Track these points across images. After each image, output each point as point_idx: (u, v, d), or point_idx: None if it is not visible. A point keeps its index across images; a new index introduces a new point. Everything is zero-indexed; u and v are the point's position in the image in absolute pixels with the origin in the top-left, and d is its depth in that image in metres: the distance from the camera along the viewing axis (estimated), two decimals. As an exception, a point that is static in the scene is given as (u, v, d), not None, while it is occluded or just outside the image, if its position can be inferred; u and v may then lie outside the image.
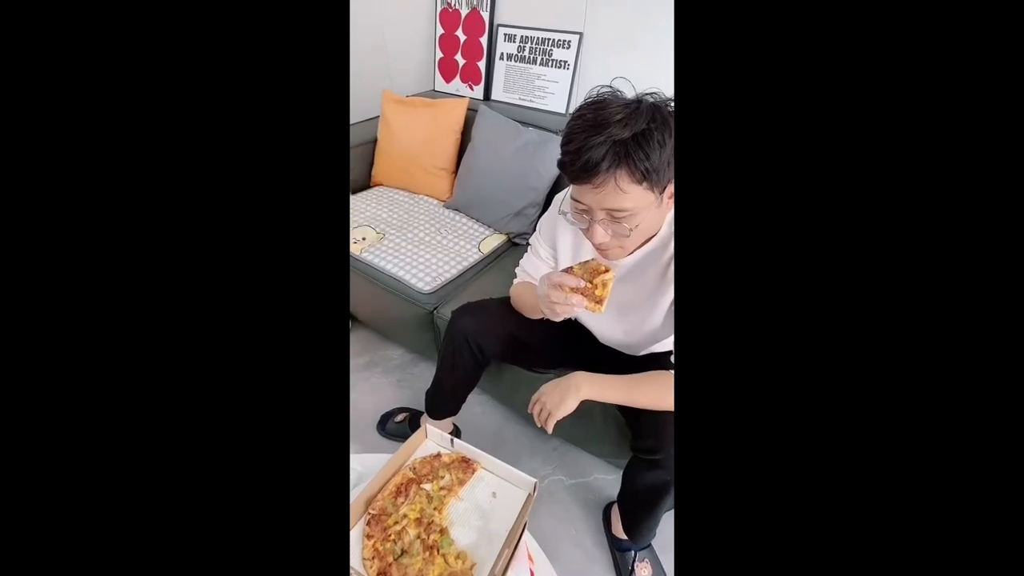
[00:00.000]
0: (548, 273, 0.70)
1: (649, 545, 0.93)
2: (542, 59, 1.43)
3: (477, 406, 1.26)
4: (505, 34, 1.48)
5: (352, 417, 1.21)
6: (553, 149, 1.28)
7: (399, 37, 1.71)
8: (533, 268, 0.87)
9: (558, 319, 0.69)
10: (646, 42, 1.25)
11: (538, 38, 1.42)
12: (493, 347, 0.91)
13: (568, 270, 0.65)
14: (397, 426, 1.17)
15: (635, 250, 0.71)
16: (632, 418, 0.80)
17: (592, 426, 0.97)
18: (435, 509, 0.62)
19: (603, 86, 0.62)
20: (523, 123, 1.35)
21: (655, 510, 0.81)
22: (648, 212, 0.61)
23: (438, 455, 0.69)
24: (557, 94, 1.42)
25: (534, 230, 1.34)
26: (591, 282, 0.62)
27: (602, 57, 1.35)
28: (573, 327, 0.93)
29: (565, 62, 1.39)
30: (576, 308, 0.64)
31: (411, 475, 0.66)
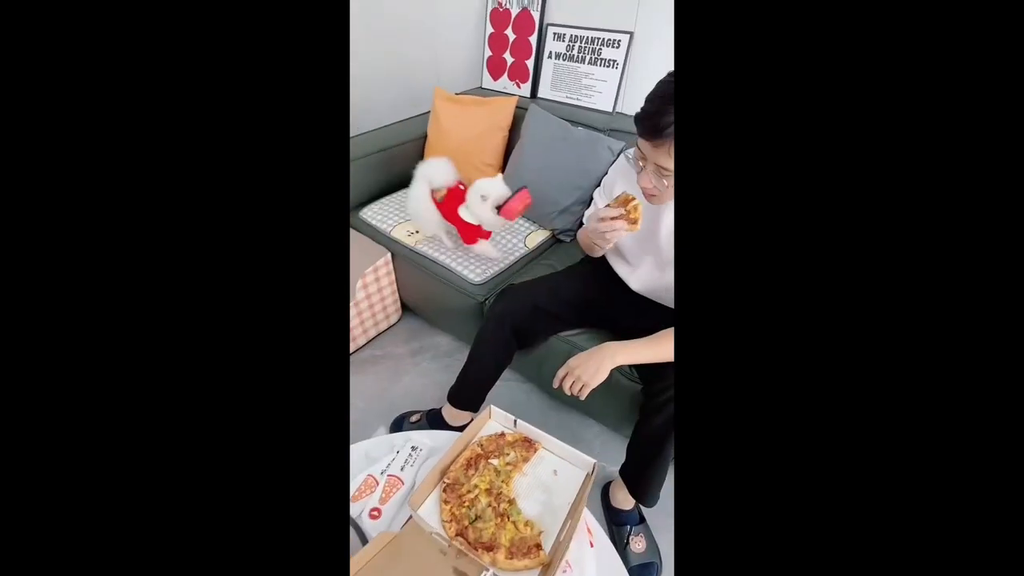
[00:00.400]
0: (593, 212, 0.89)
1: (643, 520, 1.00)
2: (591, 58, 1.46)
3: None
4: (555, 33, 1.51)
5: (403, 400, 1.30)
6: (601, 149, 1.32)
7: (450, 35, 1.76)
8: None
9: (609, 245, 0.88)
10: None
11: (588, 37, 1.45)
12: (524, 321, 1.01)
13: (607, 207, 0.84)
14: (412, 426, 1.17)
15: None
16: (644, 368, 0.92)
17: (608, 386, 1.01)
18: (503, 482, 0.68)
19: None
20: (572, 122, 1.39)
21: (661, 454, 0.85)
22: None
23: (502, 434, 0.76)
24: (605, 93, 1.45)
25: (579, 226, 1.40)
26: (626, 208, 0.80)
27: (653, 57, 1.37)
28: (588, 293, 1.05)
29: (614, 61, 1.41)
30: (620, 232, 0.82)
31: (479, 451, 0.72)
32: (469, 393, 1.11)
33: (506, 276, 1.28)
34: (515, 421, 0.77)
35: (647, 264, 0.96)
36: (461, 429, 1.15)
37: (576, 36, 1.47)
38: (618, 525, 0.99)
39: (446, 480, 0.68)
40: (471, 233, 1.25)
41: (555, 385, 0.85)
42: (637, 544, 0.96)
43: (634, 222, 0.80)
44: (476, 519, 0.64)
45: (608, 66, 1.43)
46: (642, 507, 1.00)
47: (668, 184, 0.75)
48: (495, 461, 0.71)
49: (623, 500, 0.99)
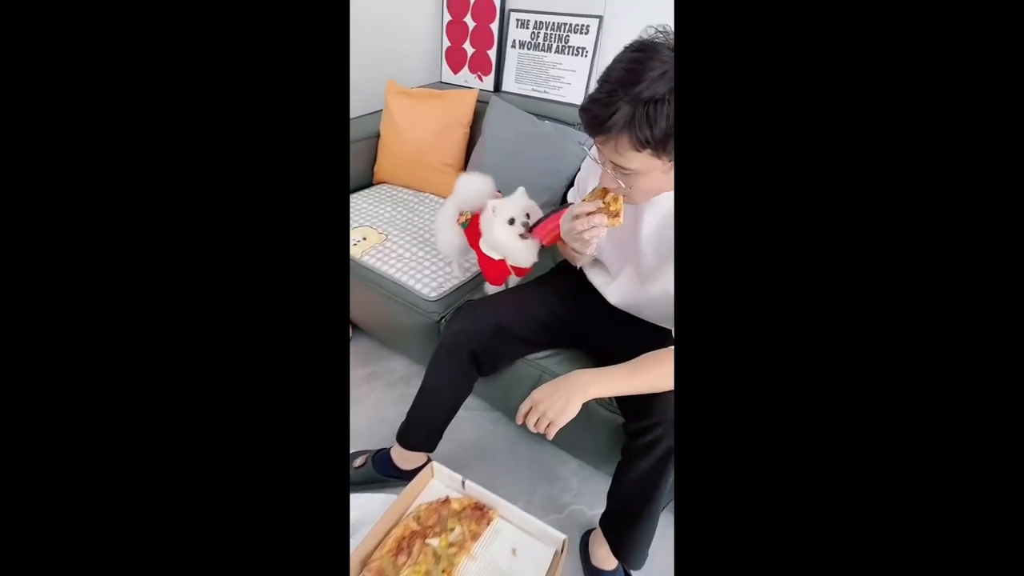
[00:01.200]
0: (567, 211, 0.74)
1: None
2: (558, 46, 1.32)
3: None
4: (517, 20, 1.37)
5: (351, 438, 1.11)
6: (571, 144, 1.18)
7: (403, 25, 1.60)
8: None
9: (590, 249, 0.72)
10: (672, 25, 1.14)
11: (553, 23, 1.31)
12: (484, 344, 0.86)
13: (582, 202, 0.71)
14: (357, 472, 0.99)
15: (652, 204, 0.73)
16: (626, 401, 0.76)
17: (584, 417, 0.85)
18: (444, 572, 0.51)
19: (660, 27, 0.58)
20: (538, 115, 1.24)
21: (649, 507, 0.72)
22: (653, 175, 0.61)
23: (446, 500, 0.59)
24: (574, 84, 1.32)
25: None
26: (604, 201, 0.67)
27: (625, 42, 1.24)
28: (559, 308, 0.90)
29: (583, 49, 1.28)
30: (601, 229, 0.68)
31: (415, 526, 0.55)
32: (421, 431, 0.94)
33: (466, 291, 1.12)
34: (463, 481, 0.60)
35: (627, 274, 0.81)
36: (412, 475, 0.97)
37: (541, 22, 1.33)
38: (600, 588, 0.82)
39: (367, 573, 0.51)
40: (495, 271, 0.98)
41: (519, 422, 0.71)
42: (624, 609, 0.80)
43: (615, 215, 0.67)
44: (404, 633, 0.47)
45: (577, 54, 1.30)
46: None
47: (629, 184, 0.62)
48: (435, 541, 0.54)
49: (604, 558, 0.83)
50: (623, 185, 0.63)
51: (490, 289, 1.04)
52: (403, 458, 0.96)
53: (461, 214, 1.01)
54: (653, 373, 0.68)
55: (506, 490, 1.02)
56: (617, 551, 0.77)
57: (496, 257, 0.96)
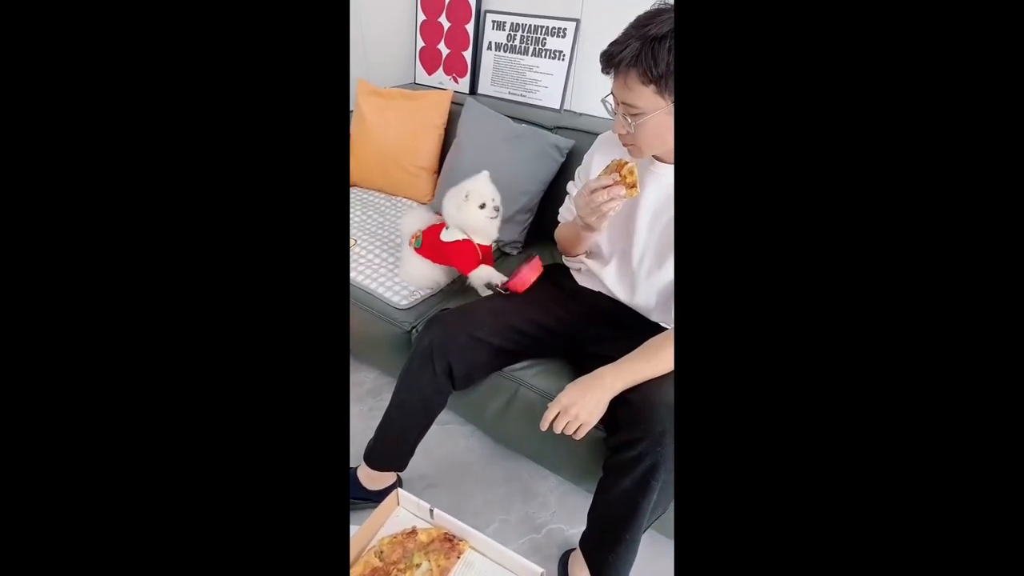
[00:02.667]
0: (580, 189, 0.76)
1: None
2: (535, 49, 1.30)
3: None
4: (493, 21, 1.34)
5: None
6: (548, 148, 1.15)
7: (376, 24, 1.55)
8: (570, 213, 0.91)
9: (605, 223, 0.74)
10: None
11: (530, 25, 1.29)
12: (459, 356, 0.82)
13: (599, 176, 0.74)
14: None
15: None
16: (607, 411, 0.75)
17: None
18: (408, 616, 0.46)
19: None
20: (514, 119, 1.21)
21: (630, 529, 0.69)
22: (658, 117, 0.65)
23: (413, 531, 0.53)
24: (551, 87, 1.29)
25: (526, 238, 1.21)
26: (620, 173, 0.70)
27: (601, 46, 1.22)
28: (541, 315, 0.87)
29: (560, 52, 1.26)
30: (619, 200, 0.70)
31: (376, 562, 0.50)
32: (391, 449, 0.88)
33: (439, 299, 1.07)
34: (431, 510, 0.55)
35: (620, 254, 0.82)
36: (381, 496, 0.91)
37: (517, 24, 1.31)
38: (580, 614, 0.78)
39: (320, 622, 0.45)
40: (465, 255, 0.99)
41: (543, 428, 0.71)
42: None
43: (632, 186, 0.71)
44: None
45: (554, 57, 1.27)
46: None
47: (636, 122, 0.66)
48: (398, 580, 0.49)
49: (585, 582, 0.79)
50: (632, 129, 0.66)
51: (480, 276, 1.00)
52: (371, 478, 0.90)
53: (413, 236, 1.04)
54: (670, 351, 0.70)
55: (481, 509, 0.99)
56: (596, 571, 0.73)
57: (461, 237, 0.98)
